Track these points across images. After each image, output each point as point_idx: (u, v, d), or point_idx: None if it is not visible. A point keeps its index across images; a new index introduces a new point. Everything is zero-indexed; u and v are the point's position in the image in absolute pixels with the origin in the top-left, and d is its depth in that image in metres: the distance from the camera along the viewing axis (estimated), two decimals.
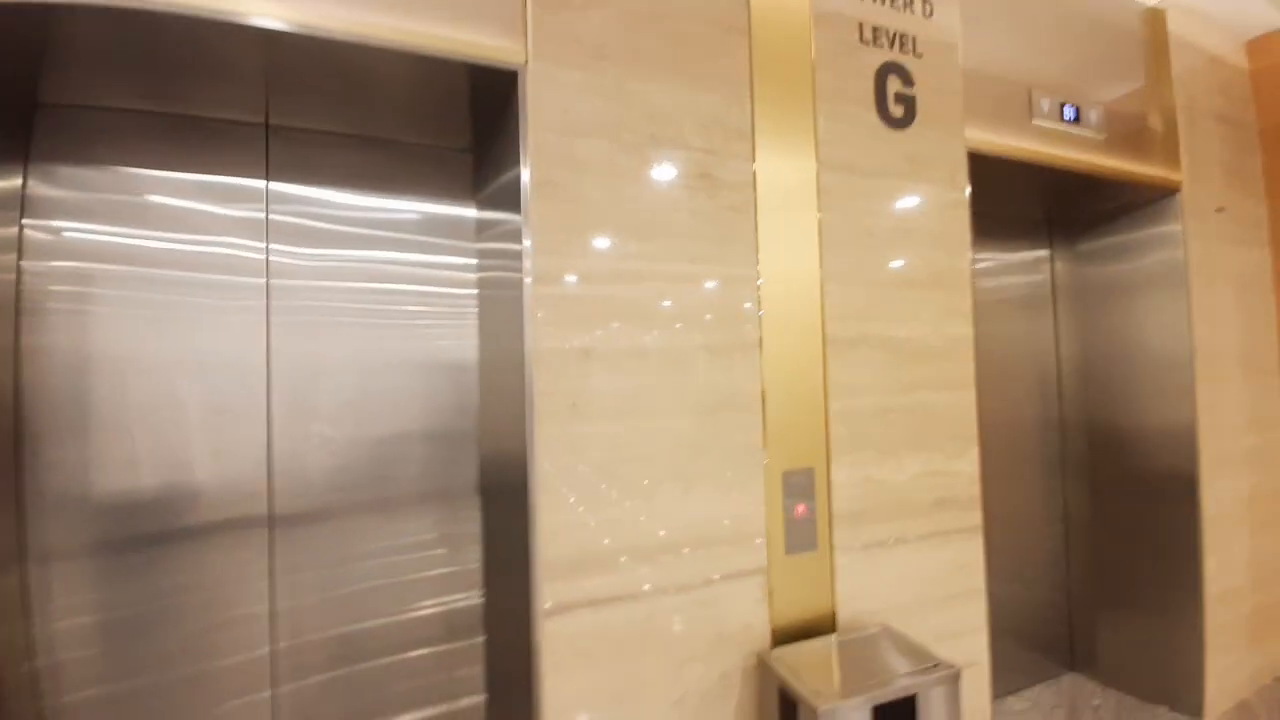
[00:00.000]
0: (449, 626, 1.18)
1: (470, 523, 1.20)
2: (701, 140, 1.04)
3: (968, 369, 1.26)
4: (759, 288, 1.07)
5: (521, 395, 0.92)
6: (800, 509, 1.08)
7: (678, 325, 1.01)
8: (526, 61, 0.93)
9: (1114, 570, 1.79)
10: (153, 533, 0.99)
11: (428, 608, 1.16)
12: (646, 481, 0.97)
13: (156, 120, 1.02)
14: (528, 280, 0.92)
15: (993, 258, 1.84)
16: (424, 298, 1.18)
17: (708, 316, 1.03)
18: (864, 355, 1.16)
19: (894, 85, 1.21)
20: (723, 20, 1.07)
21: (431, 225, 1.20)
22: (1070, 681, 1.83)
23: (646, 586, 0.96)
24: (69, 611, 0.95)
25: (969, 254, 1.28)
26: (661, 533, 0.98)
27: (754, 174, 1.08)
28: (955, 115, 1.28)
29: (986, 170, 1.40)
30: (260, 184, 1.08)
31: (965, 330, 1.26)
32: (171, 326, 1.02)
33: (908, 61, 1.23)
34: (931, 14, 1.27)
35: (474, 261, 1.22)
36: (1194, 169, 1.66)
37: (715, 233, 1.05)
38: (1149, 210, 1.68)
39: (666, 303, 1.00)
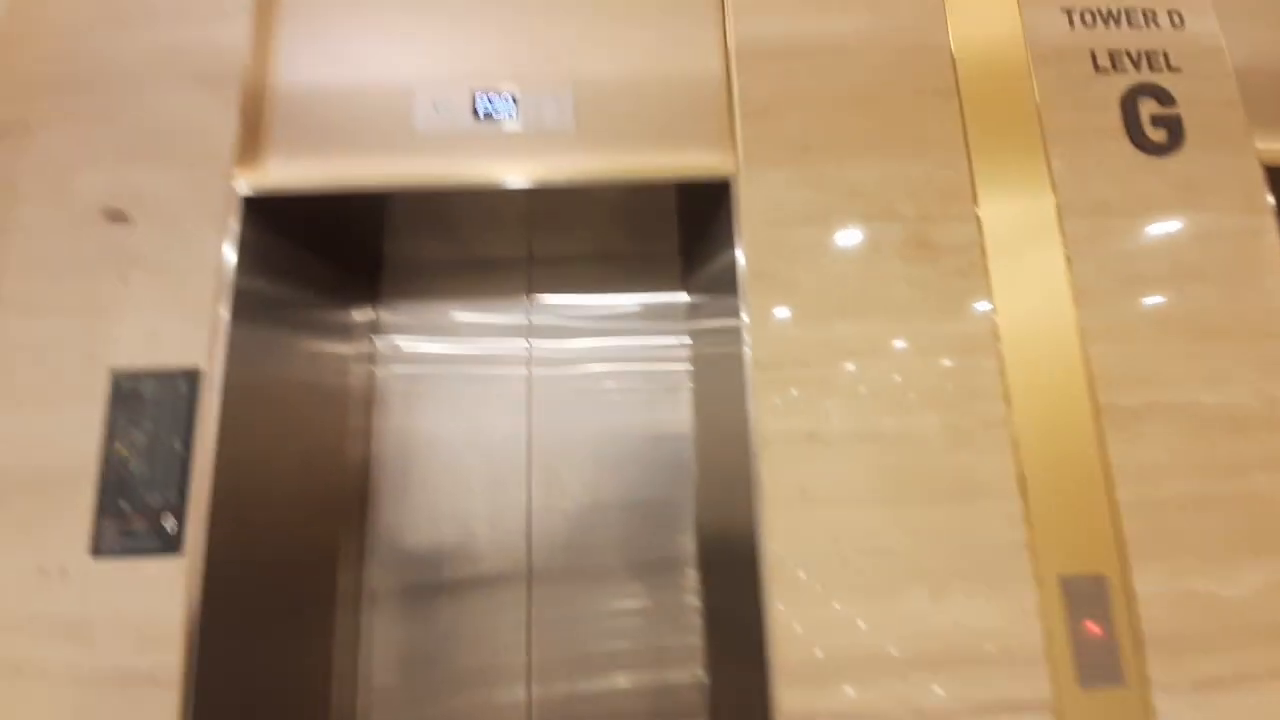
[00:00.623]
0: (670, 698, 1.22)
1: (689, 593, 1.27)
2: (913, 209, 0.99)
3: None
4: (999, 356, 0.94)
5: (747, 476, 0.92)
6: (1091, 627, 0.87)
7: (907, 403, 0.92)
8: (738, 171, 0.99)
9: None
10: (447, 580, 1.25)
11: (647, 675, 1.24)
12: (886, 580, 0.87)
13: (454, 263, 1.38)
14: (749, 365, 0.93)
15: None
16: (645, 375, 1.36)
17: (942, 392, 0.93)
18: (1156, 429, 0.93)
19: (1148, 108, 1.03)
20: (926, 86, 1.03)
21: (648, 313, 1.41)
22: None
23: (889, 706, 0.84)
24: (385, 645, 1.23)
25: None
26: (904, 643, 0.85)
27: (977, 233, 0.98)
28: (1237, 127, 1.04)
29: None
30: (523, 298, 1.40)
31: None
32: (464, 410, 1.32)
33: (1161, 79, 1.05)
34: (1183, 22, 1.08)
35: (687, 340, 1.38)
36: None
37: (939, 301, 0.96)
38: None
39: (895, 379, 0.93)
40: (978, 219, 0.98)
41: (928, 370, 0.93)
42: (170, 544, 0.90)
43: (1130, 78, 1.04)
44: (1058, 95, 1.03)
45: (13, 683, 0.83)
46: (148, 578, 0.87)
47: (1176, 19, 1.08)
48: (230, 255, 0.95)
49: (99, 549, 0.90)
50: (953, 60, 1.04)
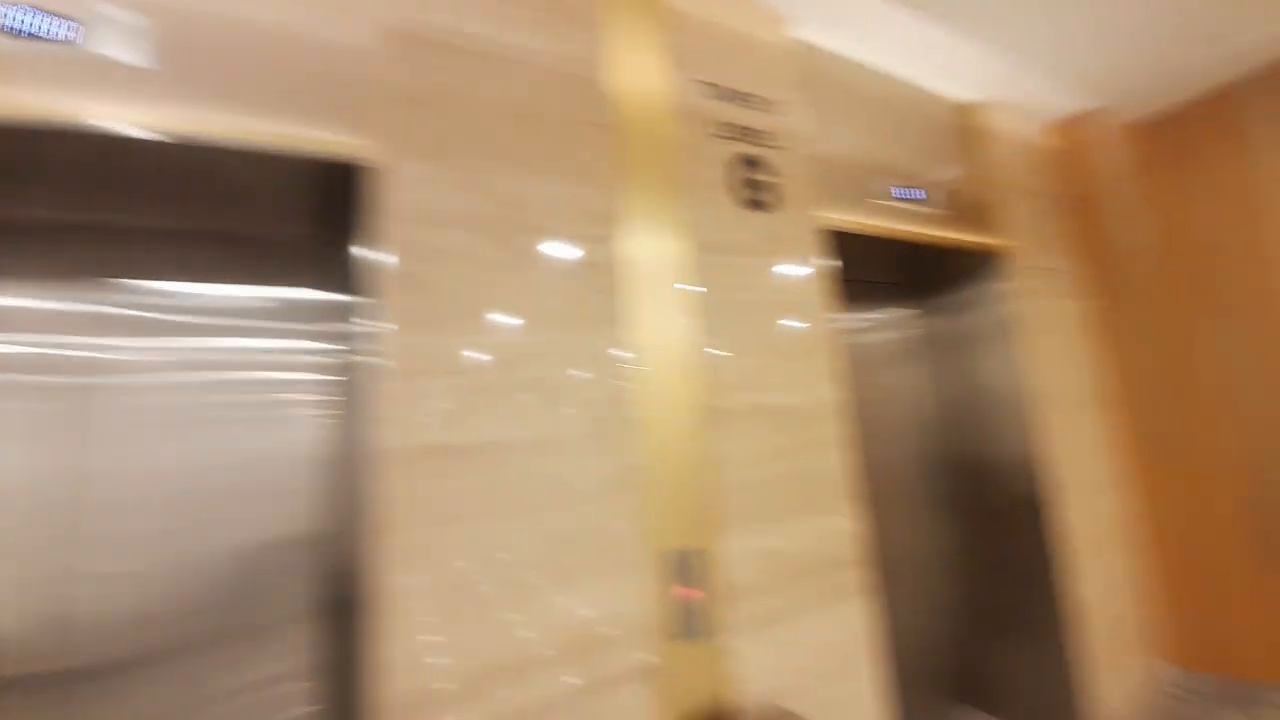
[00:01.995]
0: None
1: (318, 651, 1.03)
2: (564, 227, 1.06)
3: (841, 429, 1.32)
4: (632, 368, 1.07)
5: (369, 498, 0.85)
6: (689, 592, 1.05)
7: (544, 413, 0.98)
8: (379, 159, 0.91)
9: (990, 600, 1.90)
10: None
11: None
12: (520, 586, 0.91)
13: None
14: (378, 372, 0.87)
15: (871, 318, 2.00)
16: (260, 386, 1.05)
17: (575, 403, 1.02)
18: (748, 426, 1.18)
19: (751, 173, 1.31)
20: (585, 117, 1.12)
21: (265, 311, 1.08)
22: (959, 717, 1.89)
23: (525, 706, 0.88)
24: None
25: (831, 321, 1.37)
26: (538, 641, 0.91)
27: (622, 257, 1.10)
28: (809, 198, 1.40)
29: (848, 244, 1.54)
30: (91, 282, 0.95)
31: (835, 392, 1.33)
32: None
33: (763, 153, 1.34)
34: (783, 113, 1.40)
35: (318, 345, 1.12)
36: (1015, 236, 1.92)
37: (582, 316, 1.05)
38: (985, 272, 1.92)
39: (529, 393, 0.98)
40: (620, 244, 1.10)
41: (562, 382, 1.01)
42: None
43: (741, 147, 1.31)
44: (690, 150, 1.23)
45: None
46: None
47: (779, 110, 1.40)
48: None
49: None
50: (610, 100, 1.15)
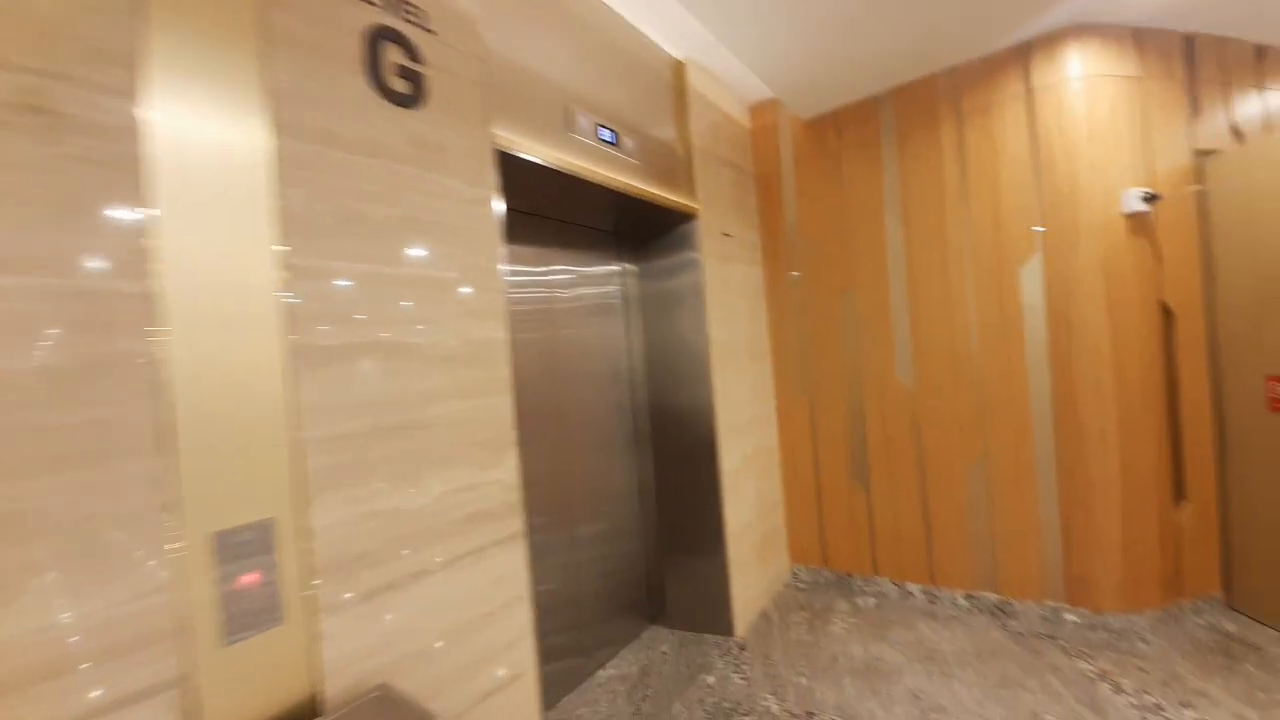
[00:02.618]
0: None
1: None
2: (36, 59, 0.67)
3: (501, 373, 1.22)
4: (156, 278, 0.75)
5: None
6: (247, 578, 0.81)
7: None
8: None
9: (673, 528, 2.14)
10: None
11: None
12: None
13: None
14: None
15: (574, 270, 1.95)
16: None
17: (48, 319, 0.67)
18: (357, 367, 0.97)
19: (393, 55, 1.05)
20: None
21: None
22: (649, 635, 2.12)
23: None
24: None
25: (499, 254, 1.23)
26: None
27: (137, 118, 0.75)
28: (477, 107, 1.21)
29: (527, 175, 1.40)
30: None
31: (496, 334, 1.21)
32: None
33: (413, 34, 1.09)
34: None
35: None
36: (708, 201, 2.07)
37: (59, 198, 0.69)
38: (679, 232, 2.04)
39: None
40: (136, 99, 0.75)
41: (23, 291, 0.65)
42: None
43: (378, 16, 1.04)
44: (296, 2, 0.92)
45: None
46: None
47: None
48: None
49: None
50: None
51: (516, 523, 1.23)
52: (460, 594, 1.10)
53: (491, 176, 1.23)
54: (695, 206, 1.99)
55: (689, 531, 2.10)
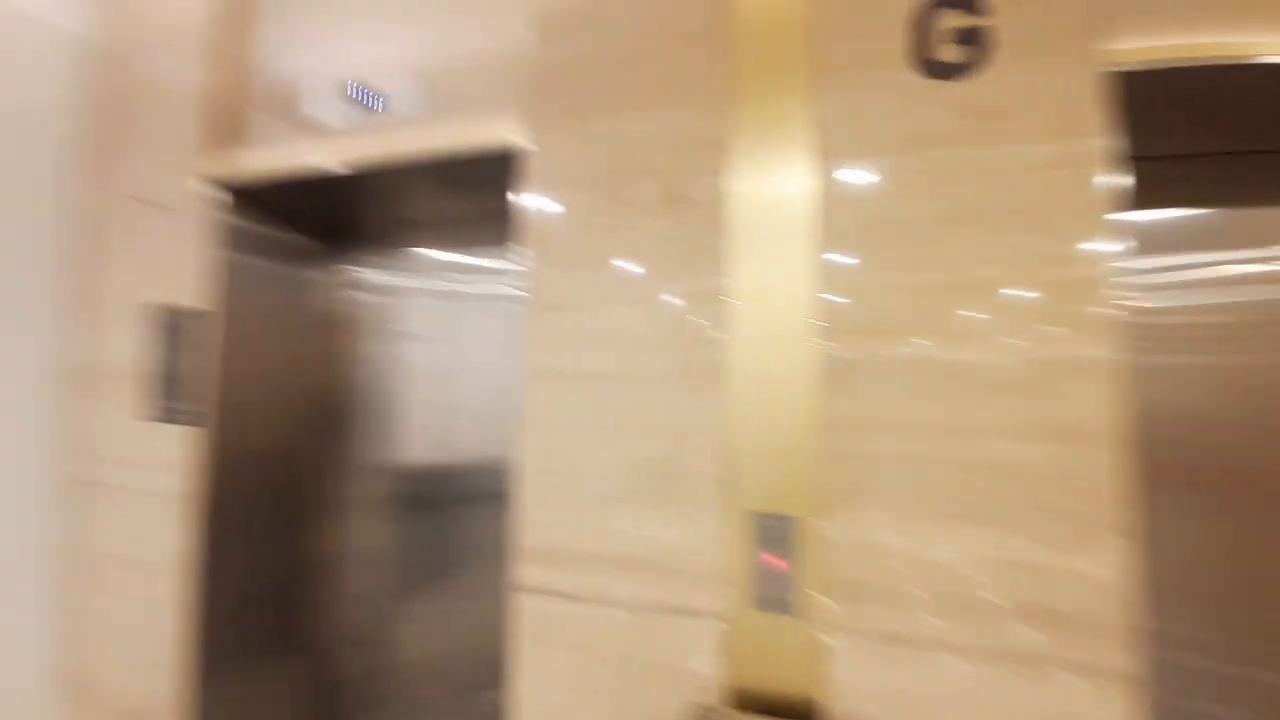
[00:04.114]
0: None
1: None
2: (669, 163, 1.04)
3: (1098, 412, 0.82)
4: (725, 304, 0.98)
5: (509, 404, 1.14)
6: (770, 559, 0.93)
7: (640, 346, 1.03)
8: (524, 139, 1.14)
9: None
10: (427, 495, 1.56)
11: None
12: (601, 495, 1.03)
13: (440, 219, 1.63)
14: (525, 307, 1.12)
15: None
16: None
17: (669, 337, 1.02)
18: (888, 383, 0.91)
19: (947, 20, 0.90)
20: (687, 31, 1.04)
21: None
22: None
23: (592, 589, 1.03)
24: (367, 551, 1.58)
25: (1107, 233, 0.83)
26: (609, 546, 1.02)
27: (725, 186, 0.99)
28: (1075, 24, 0.85)
29: (1194, 89, 0.87)
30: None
31: (1093, 353, 0.82)
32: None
33: None
34: None
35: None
36: None
37: (682, 255, 1.02)
38: None
39: (632, 327, 1.04)
40: (728, 172, 1.00)
41: (657, 317, 1.02)
42: (196, 418, 1.43)
43: None
44: (834, 22, 0.95)
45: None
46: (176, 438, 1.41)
47: None
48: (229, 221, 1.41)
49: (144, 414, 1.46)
50: (724, 5, 1.01)
51: (1121, 658, 0.79)
52: (1001, 707, 0.83)
53: (1095, 119, 0.84)
54: None
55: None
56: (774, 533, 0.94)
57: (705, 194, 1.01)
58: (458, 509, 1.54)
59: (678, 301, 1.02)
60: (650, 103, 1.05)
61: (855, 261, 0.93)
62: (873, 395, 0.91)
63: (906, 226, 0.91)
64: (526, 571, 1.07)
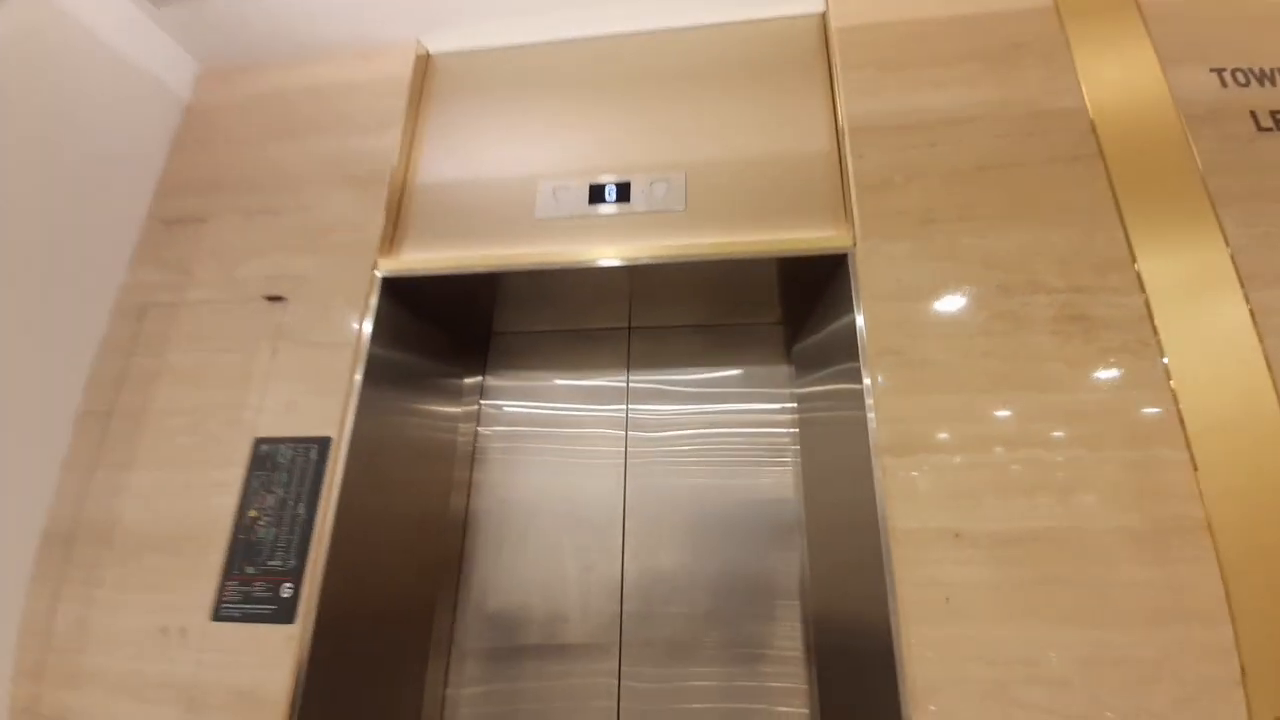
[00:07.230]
0: None
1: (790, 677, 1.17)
2: (1062, 279, 0.91)
3: None
4: (1186, 446, 0.81)
5: (879, 575, 0.82)
6: None
7: (1072, 501, 0.81)
8: (854, 244, 0.97)
9: None
10: (532, 645, 1.24)
11: None
12: (1055, 716, 0.73)
13: (556, 335, 1.44)
14: (875, 450, 0.85)
15: None
16: (746, 440, 1.33)
17: (1114, 488, 0.81)
18: None
19: None
20: (1062, 153, 0.97)
21: (747, 380, 1.38)
22: None
23: None
24: (472, 702, 1.23)
25: None
26: None
27: (1143, 306, 0.88)
28: None
29: None
30: (623, 366, 1.42)
31: None
32: (561, 469, 1.35)
33: None
34: None
35: (791, 407, 1.33)
36: None
37: (1104, 383, 0.85)
38: None
39: (1056, 474, 0.82)
40: (1142, 289, 0.89)
41: (1096, 462, 0.82)
42: (285, 613, 0.91)
43: None
44: (1221, 157, 0.94)
45: None
46: (260, 643, 0.88)
47: None
48: (368, 328, 1.01)
49: (219, 613, 0.92)
50: (1092, 125, 0.98)
51: None
52: None
53: None
54: None
55: None
56: None
57: (1115, 313, 0.88)
58: None
59: (1115, 441, 0.83)
60: (1021, 217, 0.95)
61: None
62: None
63: None
64: None
